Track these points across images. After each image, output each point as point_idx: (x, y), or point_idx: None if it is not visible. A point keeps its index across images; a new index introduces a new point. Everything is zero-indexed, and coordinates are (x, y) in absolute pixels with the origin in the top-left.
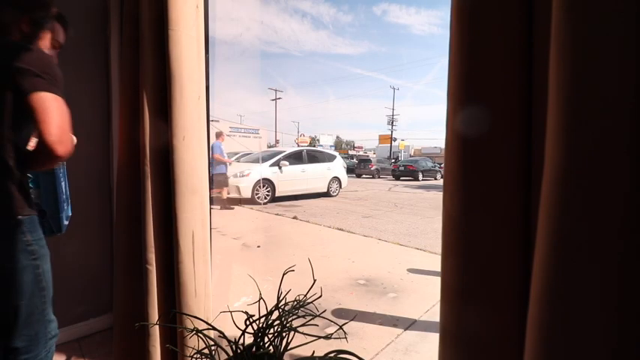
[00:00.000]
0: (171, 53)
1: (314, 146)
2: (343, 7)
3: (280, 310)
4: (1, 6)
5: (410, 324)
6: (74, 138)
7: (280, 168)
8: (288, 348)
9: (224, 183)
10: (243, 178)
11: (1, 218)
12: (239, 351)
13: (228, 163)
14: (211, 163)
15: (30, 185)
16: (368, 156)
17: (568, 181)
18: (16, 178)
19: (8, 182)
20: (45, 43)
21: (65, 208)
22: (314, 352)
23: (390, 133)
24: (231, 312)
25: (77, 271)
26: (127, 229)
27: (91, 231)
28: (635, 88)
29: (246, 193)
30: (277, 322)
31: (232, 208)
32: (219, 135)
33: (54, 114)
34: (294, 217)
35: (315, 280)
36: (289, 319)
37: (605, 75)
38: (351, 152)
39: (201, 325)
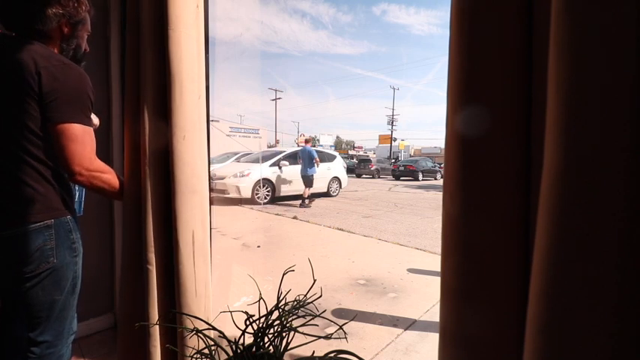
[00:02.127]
0: (171, 53)
1: (314, 146)
2: (342, 7)
3: (280, 310)
4: (43, 11)
5: (410, 324)
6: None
7: (280, 168)
8: (288, 348)
9: (311, 183)
10: (243, 178)
11: (57, 217)
12: (239, 351)
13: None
14: (305, 164)
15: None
16: (368, 156)
17: (567, 181)
18: (61, 180)
19: (57, 184)
20: (83, 38)
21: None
22: (314, 352)
23: (390, 133)
24: (231, 312)
25: None
26: (128, 229)
27: (91, 231)
28: (635, 88)
29: (246, 193)
30: (277, 322)
31: (309, 206)
32: (308, 141)
33: (79, 147)
34: (294, 217)
35: (315, 280)
36: (289, 319)
37: (605, 75)
38: (351, 152)
39: (202, 325)
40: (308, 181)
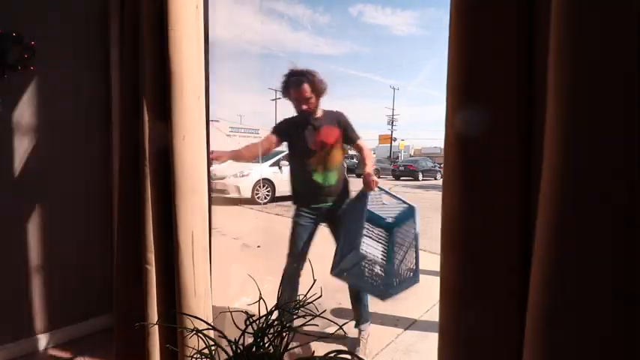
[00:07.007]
0: (171, 53)
1: None
2: (318, 8)
3: (280, 310)
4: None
5: (410, 324)
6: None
7: (280, 168)
8: (288, 348)
9: None
10: (243, 178)
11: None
12: (239, 351)
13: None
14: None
15: None
16: None
17: (568, 181)
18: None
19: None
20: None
21: None
22: (314, 352)
23: (390, 133)
24: (231, 312)
25: (77, 271)
26: (127, 229)
27: (91, 231)
28: (636, 87)
29: (246, 193)
30: (277, 322)
31: None
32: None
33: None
34: None
35: (315, 280)
36: (289, 319)
37: (605, 74)
38: (350, 152)
39: (201, 325)
40: None
